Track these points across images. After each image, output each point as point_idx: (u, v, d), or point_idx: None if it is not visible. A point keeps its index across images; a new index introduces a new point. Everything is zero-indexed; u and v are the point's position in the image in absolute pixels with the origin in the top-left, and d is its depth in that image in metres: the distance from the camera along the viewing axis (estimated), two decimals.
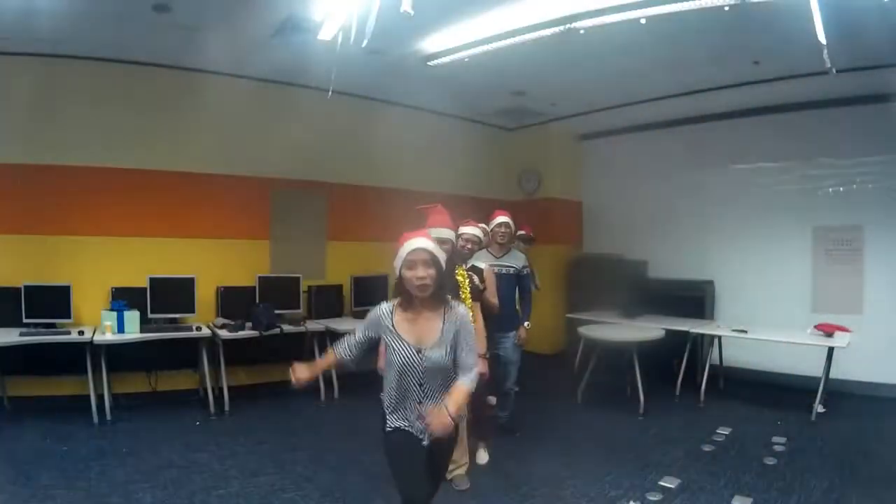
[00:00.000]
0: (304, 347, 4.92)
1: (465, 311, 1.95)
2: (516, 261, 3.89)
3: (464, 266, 3.12)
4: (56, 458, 3.33)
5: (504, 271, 3.78)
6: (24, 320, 4.07)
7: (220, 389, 4.45)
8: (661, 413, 4.49)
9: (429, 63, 4.55)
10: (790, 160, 5.62)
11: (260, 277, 4.97)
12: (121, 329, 4.08)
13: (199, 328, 4.39)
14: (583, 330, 4.94)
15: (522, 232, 5.33)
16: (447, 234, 2.67)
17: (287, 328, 4.67)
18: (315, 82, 4.94)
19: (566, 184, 7.15)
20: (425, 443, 1.86)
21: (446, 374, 1.89)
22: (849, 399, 4.82)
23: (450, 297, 2.01)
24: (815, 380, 4.39)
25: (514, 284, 3.86)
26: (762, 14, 3.36)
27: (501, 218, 3.88)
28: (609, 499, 2.99)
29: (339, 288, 5.44)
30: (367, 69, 4.60)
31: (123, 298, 4.27)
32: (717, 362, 5.19)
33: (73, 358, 4.02)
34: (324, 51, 3.85)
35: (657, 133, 6.40)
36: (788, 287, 5.50)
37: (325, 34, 3.66)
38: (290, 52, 4.26)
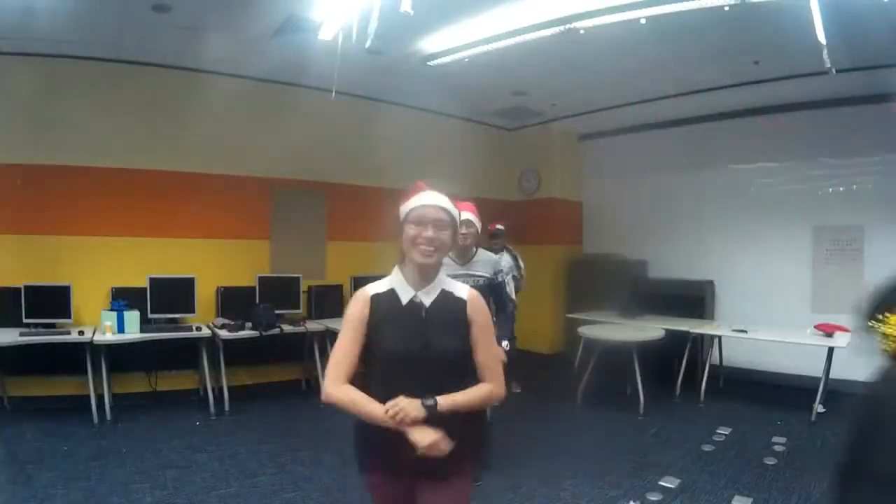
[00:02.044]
0: (304, 347, 4.93)
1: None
2: (487, 266, 3.07)
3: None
4: (56, 458, 3.33)
5: (472, 283, 2.83)
6: (24, 320, 4.07)
7: (220, 389, 4.44)
8: (661, 413, 4.49)
9: (429, 63, 4.55)
10: (790, 160, 5.62)
11: (260, 277, 4.97)
12: (121, 329, 4.08)
13: (199, 328, 4.39)
14: (583, 330, 4.94)
15: (500, 227, 4.83)
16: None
17: (287, 328, 4.67)
18: (315, 82, 4.95)
19: (566, 184, 7.15)
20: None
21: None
22: (849, 399, 4.75)
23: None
24: (815, 380, 4.39)
25: (487, 297, 2.87)
26: (762, 14, 3.36)
27: (463, 214, 2.70)
28: (609, 499, 2.99)
29: (339, 288, 5.44)
30: (367, 69, 4.61)
31: (123, 298, 4.27)
32: (717, 362, 5.18)
33: (73, 358, 4.02)
34: (324, 51, 3.86)
35: (657, 133, 6.39)
36: (788, 287, 5.50)
37: (325, 34, 3.66)
38: (290, 52, 4.26)
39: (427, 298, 1.48)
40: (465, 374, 1.47)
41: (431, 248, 1.44)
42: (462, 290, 1.52)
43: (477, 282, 3.01)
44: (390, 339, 1.43)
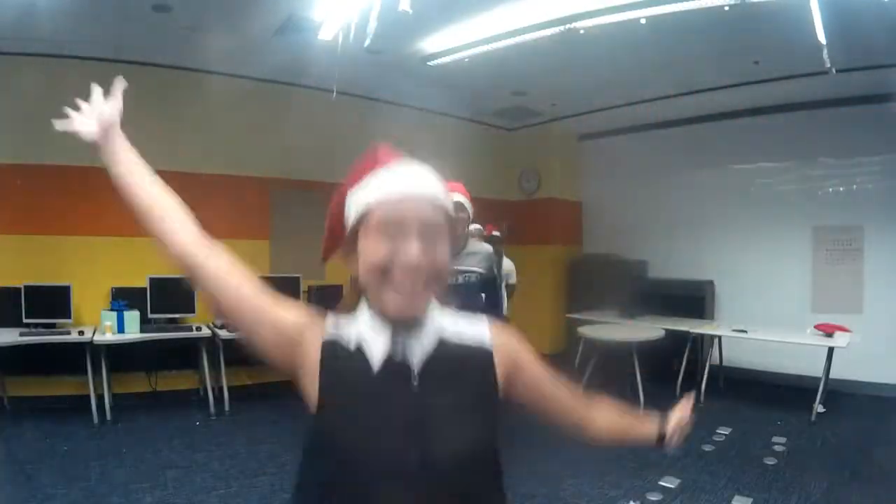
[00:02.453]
0: None
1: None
2: (481, 260, 2.57)
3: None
4: (56, 458, 3.33)
5: (464, 279, 2.49)
6: (24, 320, 4.07)
7: (220, 389, 4.44)
8: (660, 413, 4.49)
9: (429, 63, 4.55)
10: (790, 160, 5.62)
11: (260, 277, 4.95)
12: (121, 329, 4.08)
13: (199, 328, 4.40)
14: (583, 330, 4.94)
15: (496, 233, 4.55)
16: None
17: None
18: (315, 82, 4.95)
19: (566, 184, 7.14)
20: None
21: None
22: (849, 399, 4.82)
23: None
24: (815, 380, 4.39)
25: (481, 295, 2.57)
26: (762, 14, 3.36)
27: (453, 196, 2.10)
28: (609, 499, 2.99)
29: (339, 288, 5.42)
30: (367, 69, 4.60)
31: (123, 298, 4.27)
32: (717, 362, 5.18)
33: (73, 358, 4.02)
34: (324, 51, 3.86)
35: (657, 133, 6.39)
36: (788, 287, 5.50)
37: (325, 34, 3.66)
38: (290, 52, 4.26)
39: (417, 351, 0.81)
40: (492, 478, 0.91)
41: (419, 284, 0.77)
42: (474, 323, 0.89)
43: (468, 278, 2.52)
44: (354, 440, 0.79)
